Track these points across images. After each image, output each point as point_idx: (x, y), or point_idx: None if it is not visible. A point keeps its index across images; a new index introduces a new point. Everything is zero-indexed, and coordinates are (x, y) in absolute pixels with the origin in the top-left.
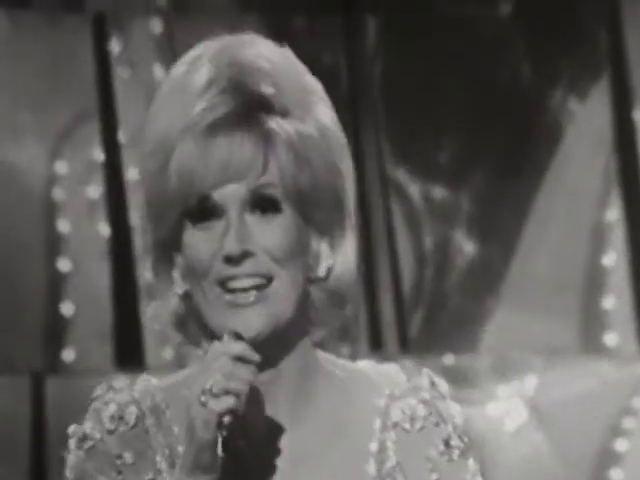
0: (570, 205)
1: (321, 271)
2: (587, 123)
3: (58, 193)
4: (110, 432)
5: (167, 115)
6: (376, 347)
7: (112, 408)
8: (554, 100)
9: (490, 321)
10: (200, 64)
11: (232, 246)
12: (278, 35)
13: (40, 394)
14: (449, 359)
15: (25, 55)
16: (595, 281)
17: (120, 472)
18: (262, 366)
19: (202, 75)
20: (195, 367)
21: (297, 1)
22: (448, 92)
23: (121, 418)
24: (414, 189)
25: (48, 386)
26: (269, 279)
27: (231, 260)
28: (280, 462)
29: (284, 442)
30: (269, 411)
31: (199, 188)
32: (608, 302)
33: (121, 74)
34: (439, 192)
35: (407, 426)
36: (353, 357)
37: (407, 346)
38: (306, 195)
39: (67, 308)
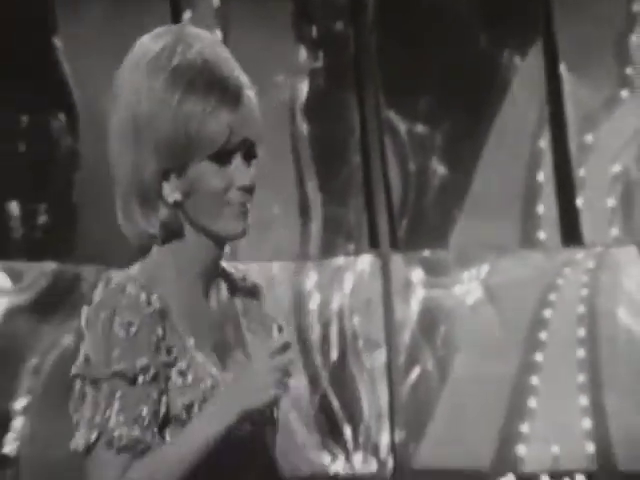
0: (514, 137)
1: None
2: (527, 75)
3: None
4: (149, 316)
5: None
6: (374, 245)
7: (142, 296)
8: (503, 58)
9: (456, 225)
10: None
11: (247, 180)
12: (300, 13)
13: None
14: (427, 253)
15: (119, 28)
16: (531, 193)
17: (158, 349)
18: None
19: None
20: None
21: None
22: (428, 55)
23: (149, 304)
24: (402, 127)
25: None
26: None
27: (247, 189)
28: None
29: None
30: None
31: (236, 133)
32: (540, 208)
33: None
34: (420, 129)
35: None
36: (357, 253)
37: (396, 244)
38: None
39: None
